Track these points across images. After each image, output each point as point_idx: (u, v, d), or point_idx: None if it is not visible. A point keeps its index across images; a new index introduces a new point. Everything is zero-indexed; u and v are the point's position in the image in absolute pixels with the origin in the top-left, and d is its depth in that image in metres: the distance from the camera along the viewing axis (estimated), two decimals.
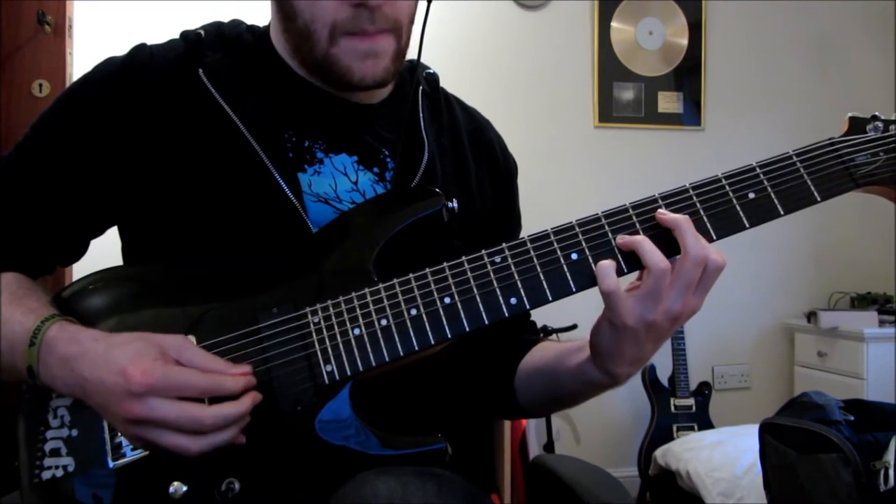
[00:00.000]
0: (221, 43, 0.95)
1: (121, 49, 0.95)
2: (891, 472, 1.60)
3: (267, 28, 0.99)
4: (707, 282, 0.79)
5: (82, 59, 2.05)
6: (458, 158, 1.02)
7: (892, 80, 3.43)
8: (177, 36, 0.96)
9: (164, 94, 0.90)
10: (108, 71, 0.92)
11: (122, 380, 0.72)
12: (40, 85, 1.97)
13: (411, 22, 0.92)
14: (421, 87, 1.01)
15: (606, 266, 0.78)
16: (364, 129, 0.97)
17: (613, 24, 3.21)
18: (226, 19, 1.00)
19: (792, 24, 3.39)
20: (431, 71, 1.06)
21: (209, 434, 0.73)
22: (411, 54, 1.02)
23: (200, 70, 0.91)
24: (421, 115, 0.99)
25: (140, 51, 0.94)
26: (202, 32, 0.95)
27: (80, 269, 0.94)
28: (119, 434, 0.79)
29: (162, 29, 1.03)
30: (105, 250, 1.01)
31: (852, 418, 1.73)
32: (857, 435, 1.68)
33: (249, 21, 1.01)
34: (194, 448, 0.73)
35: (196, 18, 1.01)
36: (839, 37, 3.44)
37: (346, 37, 0.87)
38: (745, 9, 3.33)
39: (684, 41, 3.28)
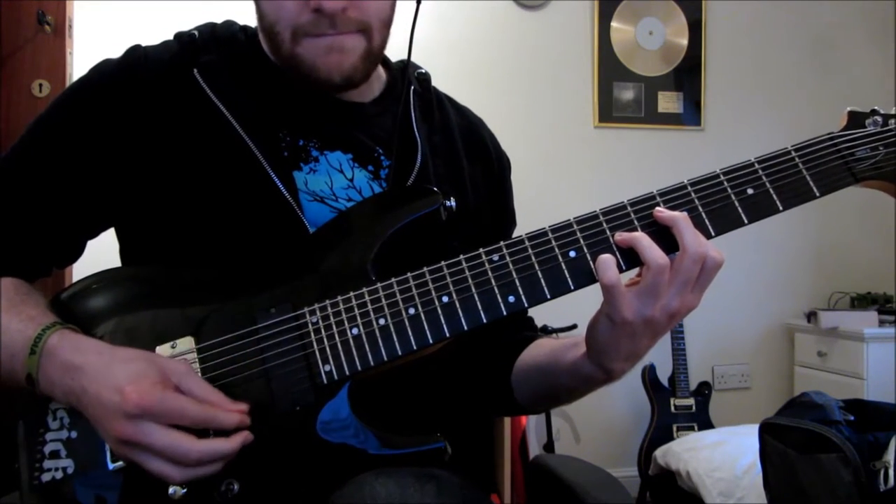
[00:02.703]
0: (215, 43, 0.95)
1: (121, 49, 0.95)
2: (891, 472, 1.60)
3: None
4: (705, 279, 0.79)
5: (82, 59, 2.05)
6: (451, 157, 1.02)
7: (892, 79, 3.43)
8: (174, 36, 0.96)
9: (160, 94, 0.90)
10: (104, 73, 0.93)
11: (118, 398, 0.72)
12: (40, 85, 1.97)
13: (385, 23, 0.92)
14: (412, 87, 1.02)
15: (607, 259, 0.78)
16: (357, 127, 0.97)
17: (613, 24, 3.21)
18: (221, 20, 1.00)
19: (792, 23, 3.39)
20: (423, 70, 1.06)
21: (194, 467, 0.74)
22: (401, 54, 1.02)
23: (195, 70, 0.91)
24: (413, 114, 0.99)
25: (134, 52, 0.94)
26: (196, 33, 0.95)
27: (80, 271, 0.94)
28: None
29: (162, 29, 1.03)
30: (103, 252, 1.01)
31: (852, 418, 1.73)
32: (857, 435, 1.68)
33: (243, 22, 1.01)
34: (177, 477, 0.73)
35: (196, 18, 1.02)
36: (839, 36, 3.44)
37: (307, 37, 0.88)
38: (745, 8, 3.33)
39: (684, 41, 3.28)
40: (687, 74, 3.27)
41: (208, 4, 1.97)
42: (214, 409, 0.75)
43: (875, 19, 3.48)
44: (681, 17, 3.27)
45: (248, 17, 1.03)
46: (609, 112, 3.21)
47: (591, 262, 0.80)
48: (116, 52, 0.95)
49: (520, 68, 3.12)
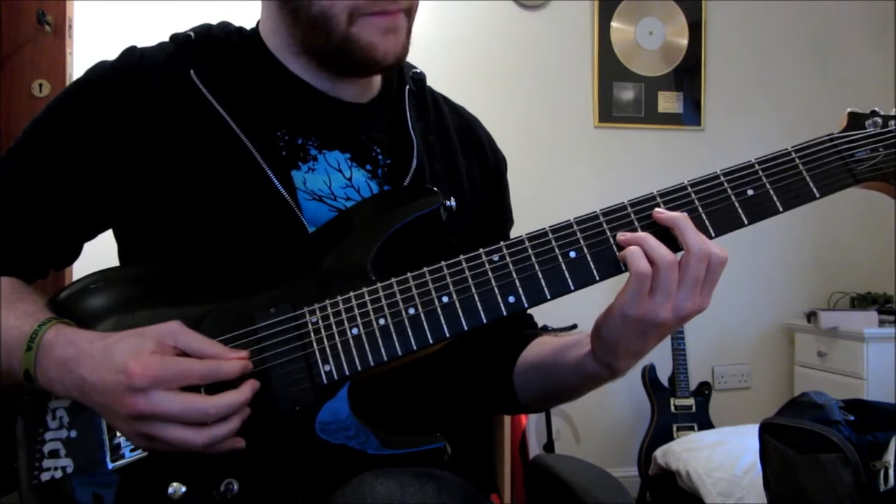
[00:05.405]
0: (211, 44, 0.95)
1: (121, 49, 0.95)
2: (891, 471, 1.60)
3: (255, 29, 0.99)
4: (712, 278, 0.79)
5: (82, 59, 2.05)
6: (448, 155, 1.02)
7: (891, 80, 3.42)
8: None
9: (156, 95, 0.90)
10: (100, 74, 0.93)
11: (123, 377, 0.72)
12: (40, 85, 1.97)
13: (417, 7, 0.93)
14: (407, 87, 1.02)
15: (636, 250, 0.78)
16: (356, 127, 0.97)
17: (613, 24, 3.21)
18: (218, 20, 1.00)
19: (792, 24, 3.39)
20: (418, 70, 1.06)
21: (212, 426, 0.74)
22: None
23: (191, 71, 0.92)
24: (408, 113, 1.00)
25: (131, 53, 0.94)
26: (192, 34, 0.95)
27: (79, 271, 0.94)
28: (118, 435, 0.79)
29: (161, 29, 1.03)
30: (102, 252, 1.01)
31: (852, 418, 1.73)
32: (857, 435, 1.67)
33: (240, 23, 1.01)
34: (198, 441, 0.73)
35: (196, 19, 1.02)
36: (839, 37, 3.44)
37: (364, 17, 0.88)
38: (745, 9, 3.33)
39: (684, 41, 3.28)
40: (687, 74, 3.27)
41: (207, 5, 1.98)
42: (217, 361, 0.76)
43: (875, 19, 3.48)
44: (681, 17, 3.27)
45: (245, 18, 1.03)
46: (609, 112, 3.21)
47: (591, 263, 0.80)
48: (116, 52, 0.95)
49: (520, 68, 3.12)
